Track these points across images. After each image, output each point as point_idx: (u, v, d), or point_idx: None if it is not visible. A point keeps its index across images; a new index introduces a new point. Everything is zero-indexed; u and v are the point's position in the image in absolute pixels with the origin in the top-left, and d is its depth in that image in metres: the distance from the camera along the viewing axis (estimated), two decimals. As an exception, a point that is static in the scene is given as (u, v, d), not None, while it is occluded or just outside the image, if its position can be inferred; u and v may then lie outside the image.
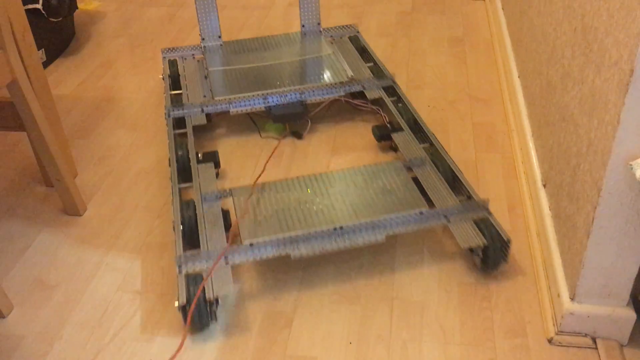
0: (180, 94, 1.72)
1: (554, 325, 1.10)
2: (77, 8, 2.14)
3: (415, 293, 1.20)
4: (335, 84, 1.64)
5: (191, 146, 1.48)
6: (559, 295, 1.09)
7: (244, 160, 1.57)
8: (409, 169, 1.38)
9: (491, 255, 1.18)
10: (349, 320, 1.15)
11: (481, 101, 1.75)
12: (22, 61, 1.28)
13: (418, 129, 1.52)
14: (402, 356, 1.09)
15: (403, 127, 1.52)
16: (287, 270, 1.26)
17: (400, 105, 1.60)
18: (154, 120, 1.73)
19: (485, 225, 1.20)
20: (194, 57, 1.87)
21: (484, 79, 1.85)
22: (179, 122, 1.61)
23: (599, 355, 1.07)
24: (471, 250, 1.25)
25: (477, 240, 1.18)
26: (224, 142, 1.64)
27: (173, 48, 1.89)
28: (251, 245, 1.19)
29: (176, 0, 2.45)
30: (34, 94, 1.28)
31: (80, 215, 1.42)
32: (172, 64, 1.84)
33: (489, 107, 1.72)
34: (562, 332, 1.09)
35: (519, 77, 1.64)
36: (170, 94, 1.71)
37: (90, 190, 1.50)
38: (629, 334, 1.07)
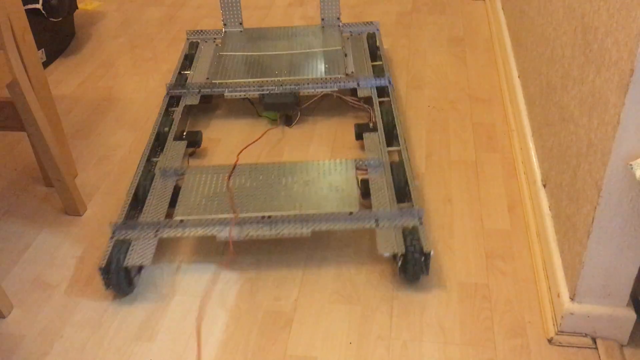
0: (188, 74, 1.80)
1: (554, 325, 1.10)
2: (77, 8, 2.14)
3: (415, 293, 1.20)
4: (330, 79, 1.67)
5: (175, 123, 1.56)
6: (559, 295, 1.09)
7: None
8: (364, 169, 1.39)
9: (410, 265, 1.17)
10: (349, 320, 1.15)
11: (481, 101, 1.75)
12: (22, 61, 1.28)
13: (395, 133, 1.51)
14: (402, 356, 1.09)
15: (378, 128, 1.52)
16: (287, 270, 1.26)
17: (386, 106, 1.60)
18: (154, 120, 1.72)
19: (412, 235, 1.19)
20: (214, 41, 1.95)
21: (484, 79, 1.85)
22: (179, 101, 1.69)
23: (599, 355, 1.07)
24: (394, 256, 1.23)
25: (395, 247, 1.17)
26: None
27: (198, 31, 1.97)
28: (181, 221, 1.24)
29: (176, 0, 2.45)
30: (34, 94, 1.28)
31: (80, 215, 1.42)
32: (193, 46, 1.91)
33: (489, 107, 1.72)
34: (562, 332, 1.09)
35: (519, 77, 1.64)
36: (179, 74, 1.79)
37: (90, 190, 1.50)
38: (629, 334, 1.07)
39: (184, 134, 1.57)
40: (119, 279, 1.18)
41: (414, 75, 1.88)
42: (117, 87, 1.91)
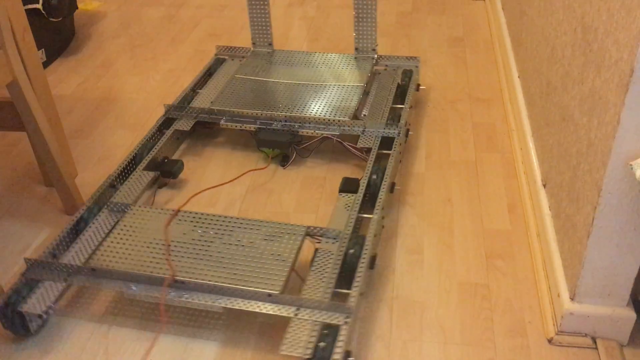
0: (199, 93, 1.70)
1: (554, 325, 1.10)
2: (77, 8, 2.14)
3: (415, 293, 1.20)
4: (334, 120, 1.48)
5: (154, 150, 1.45)
6: (559, 295, 1.09)
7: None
8: (319, 237, 1.20)
9: None
10: (349, 320, 1.15)
11: (481, 101, 1.75)
12: (22, 61, 1.28)
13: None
14: (402, 356, 1.09)
15: (360, 190, 1.30)
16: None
17: (383, 163, 1.38)
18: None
19: (328, 337, 1.00)
20: (240, 60, 1.81)
21: (484, 79, 1.85)
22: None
23: (599, 355, 1.07)
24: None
25: (301, 350, 0.98)
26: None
27: (229, 47, 1.86)
28: (93, 270, 1.11)
29: (176, 0, 2.45)
30: (34, 94, 1.28)
31: (80, 215, 1.42)
32: (218, 62, 1.82)
33: (489, 107, 1.72)
34: (562, 332, 1.09)
35: (519, 77, 1.64)
36: (191, 91, 1.69)
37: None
38: (629, 334, 1.07)
39: (165, 161, 1.45)
40: (14, 323, 1.09)
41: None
42: (117, 87, 1.91)
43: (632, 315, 1.05)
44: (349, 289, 1.09)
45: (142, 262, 1.14)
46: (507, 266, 1.25)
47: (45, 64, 2.02)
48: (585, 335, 1.09)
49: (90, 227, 1.24)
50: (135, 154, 1.44)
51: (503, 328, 1.13)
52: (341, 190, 1.34)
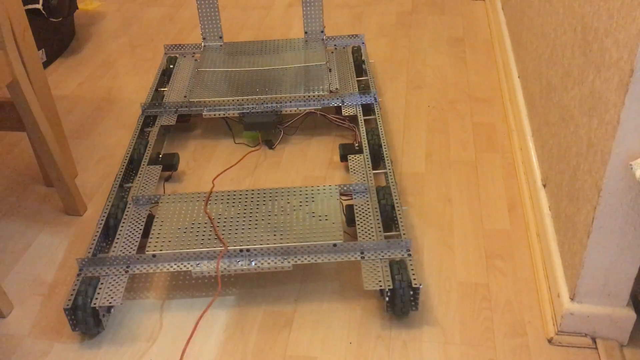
0: (165, 91, 1.72)
1: (554, 325, 1.10)
2: (77, 8, 2.14)
3: (415, 293, 1.20)
4: (314, 96, 1.59)
5: (150, 146, 1.49)
6: (559, 295, 1.09)
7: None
8: (348, 195, 1.32)
9: (398, 301, 1.11)
10: (349, 320, 1.15)
11: (481, 101, 1.75)
12: (22, 61, 1.28)
13: (380, 153, 1.46)
14: (402, 356, 1.09)
15: (363, 149, 1.45)
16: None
17: (372, 125, 1.54)
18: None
19: (399, 269, 1.12)
20: (193, 56, 1.86)
21: (484, 79, 1.85)
22: (155, 120, 1.62)
23: (599, 355, 1.07)
24: (381, 292, 1.16)
25: (382, 283, 1.11)
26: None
27: (176, 45, 1.89)
28: (154, 256, 1.17)
29: (176, 0, 2.45)
30: (34, 94, 1.28)
31: (80, 215, 1.42)
32: (171, 60, 1.84)
33: (489, 107, 1.72)
34: (562, 332, 1.09)
35: (519, 77, 1.64)
36: (155, 91, 1.72)
37: (90, 190, 1.50)
38: (629, 334, 1.07)
39: (160, 156, 1.49)
40: (87, 321, 1.10)
41: (414, 76, 1.88)
42: (117, 87, 1.91)
43: (632, 315, 1.05)
44: (391, 229, 1.27)
45: (195, 241, 1.19)
46: (507, 266, 1.25)
47: (45, 64, 2.01)
48: (585, 335, 1.09)
49: (123, 222, 1.28)
50: (132, 152, 1.48)
51: (503, 328, 1.13)
52: (345, 154, 1.46)
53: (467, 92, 1.79)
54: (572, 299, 1.07)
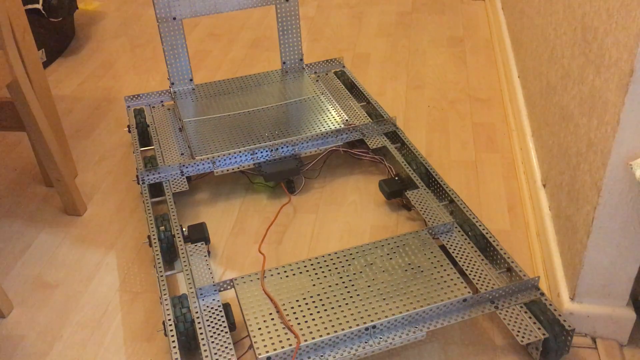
0: (153, 150, 1.47)
1: (554, 325, 1.10)
2: (77, 8, 2.15)
3: (415, 293, 1.20)
4: (331, 132, 1.42)
5: (175, 221, 1.24)
6: (559, 295, 1.09)
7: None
8: (434, 236, 1.18)
9: (553, 348, 1.01)
10: (349, 320, 1.15)
11: (481, 101, 1.75)
12: (22, 61, 1.28)
13: (432, 182, 1.34)
14: (401, 356, 1.09)
15: (415, 181, 1.31)
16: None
17: (405, 153, 1.43)
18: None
19: (541, 311, 1.03)
20: (162, 105, 1.63)
21: (484, 79, 1.85)
22: (154, 187, 1.38)
23: (599, 355, 1.07)
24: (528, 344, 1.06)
25: (536, 333, 1.01)
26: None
27: (137, 95, 1.63)
28: (269, 359, 0.97)
29: (176, 0, 2.45)
30: (34, 94, 1.28)
31: (80, 215, 1.42)
32: (139, 113, 1.58)
33: (489, 107, 1.72)
34: (562, 332, 1.09)
35: (519, 77, 1.64)
36: (141, 152, 1.47)
37: (90, 190, 1.50)
38: (629, 334, 1.07)
39: (184, 230, 1.24)
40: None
41: (414, 75, 1.88)
42: (117, 87, 1.91)
43: (632, 315, 1.05)
44: (497, 264, 1.13)
45: (306, 327, 1.00)
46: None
47: (45, 64, 2.02)
48: (585, 335, 1.09)
49: (199, 323, 1.04)
50: (160, 236, 1.23)
51: (503, 328, 1.12)
52: (393, 191, 1.34)
53: (467, 92, 1.79)
54: (572, 298, 1.07)
